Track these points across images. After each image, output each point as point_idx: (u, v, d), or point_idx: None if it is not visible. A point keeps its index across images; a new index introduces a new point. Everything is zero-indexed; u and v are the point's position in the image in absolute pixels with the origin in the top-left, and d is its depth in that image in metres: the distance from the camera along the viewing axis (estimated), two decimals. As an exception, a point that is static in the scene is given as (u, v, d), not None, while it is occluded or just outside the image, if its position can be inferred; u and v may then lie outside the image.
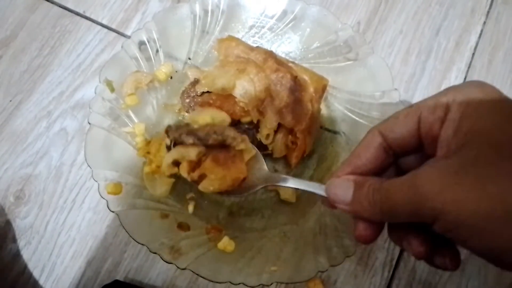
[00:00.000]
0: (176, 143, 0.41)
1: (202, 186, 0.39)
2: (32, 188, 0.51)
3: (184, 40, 0.52)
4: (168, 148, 0.42)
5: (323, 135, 0.52)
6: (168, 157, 0.40)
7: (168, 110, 0.51)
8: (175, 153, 0.40)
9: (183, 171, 0.40)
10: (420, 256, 0.29)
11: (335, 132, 0.51)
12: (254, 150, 0.42)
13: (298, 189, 0.37)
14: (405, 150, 0.31)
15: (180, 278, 0.48)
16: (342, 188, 0.31)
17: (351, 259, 0.48)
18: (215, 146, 0.40)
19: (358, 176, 0.31)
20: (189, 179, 0.40)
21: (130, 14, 0.59)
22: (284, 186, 0.39)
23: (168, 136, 0.41)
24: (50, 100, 0.55)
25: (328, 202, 0.33)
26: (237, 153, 0.41)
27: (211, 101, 0.47)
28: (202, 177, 0.39)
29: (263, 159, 0.42)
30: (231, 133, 0.40)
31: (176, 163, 0.41)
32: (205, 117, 0.45)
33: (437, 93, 0.29)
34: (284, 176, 0.39)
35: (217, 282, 0.40)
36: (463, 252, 0.49)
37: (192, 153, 0.39)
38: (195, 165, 0.40)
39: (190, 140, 0.39)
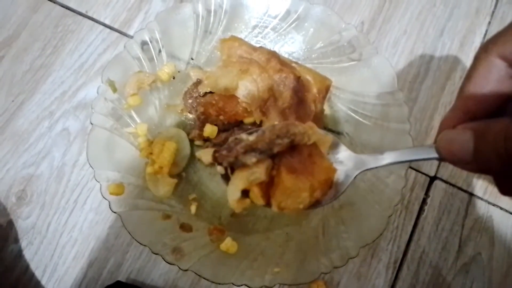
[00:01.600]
0: (234, 167, 0.32)
1: (290, 207, 0.31)
2: (34, 188, 0.51)
3: (187, 40, 0.51)
4: (225, 178, 0.33)
5: (326, 135, 0.52)
6: (233, 191, 0.31)
7: (171, 110, 0.51)
8: (240, 182, 0.31)
9: (257, 198, 0.32)
10: None
11: (338, 133, 0.51)
12: (329, 136, 0.35)
13: (402, 162, 0.30)
14: None
15: (182, 279, 0.48)
16: (459, 143, 0.24)
17: (354, 260, 0.48)
18: (283, 152, 0.32)
19: (476, 122, 0.24)
20: (274, 208, 0.31)
21: (133, 14, 0.59)
22: (385, 165, 0.31)
23: (220, 163, 0.33)
24: (52, 100, 0.55)
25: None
26: (312, 148, 0.33)
27: (213, 102, 0.47)
28: (283, 195, 0.31)
29: (340, 143, 0.35)
30: (297, 128, 0.32)
31: (244, 191, 0.32)
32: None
33: None
34: (378, 154, 0.31)
35: (219, 284, 0.40)
36: (467, 255, 0.49)
37: (259, 173, 0.31)
38: (267, 185, 0.32)
39: (252, 158, 0.31)
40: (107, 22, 0.59)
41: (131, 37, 0.50)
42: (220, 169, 0.33)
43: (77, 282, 0.48)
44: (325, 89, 0.49)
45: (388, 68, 0.48)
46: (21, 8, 0.59)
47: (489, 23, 0.59)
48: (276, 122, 0.45)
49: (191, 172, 0.50)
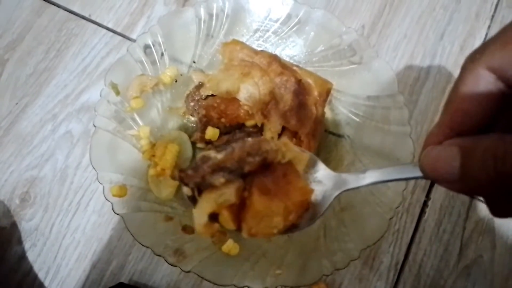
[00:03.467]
0: (201, 188, 0.29)
1: (262, 233, 0.29)
2: (37, 190, 0.52)
3: (189, 44, 0.52)
4: (192, 200, 0.30)
5: (328, 138, 0.52)
6: (200, 215, 0.28)
7: (173, 113, 0.52)
8: (207, 204, 0.28)
9: (227, 223, 0.29)
10: None
11: (339, 136, 0.51)
12: (306, 154, 0.32)
13: (384, 181, 0.28)
14: None
15: (184, 281, 0.48)
16: (444, 160, 0.22)
17: (356, 263, 0.48)
18: (255, 171, 0.29)
19: (463, 138, 0.22)
20: (244, 235, 0.29)
21: (136, 18, 0.60)
22: (365, 185, 0.29)
23: (186, 184, 0.30)
24: (55, 103, 0.55)
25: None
26: (287, 167, 0.30)
27: (215, 104, 0.47)
28: (254, 220, 0.28)
29: (318, 161, 0.32)
30: (270, 145, 0.30)
31: (213, 215, 0.29)
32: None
33: None
34: (359, 172, 0.29)
35: (221, 285, 0.40)
36: (469, 257, 0.49)
37: (229, 195, 0.28)
38: (238, 207, 0.29)
39: (220, 178, 0.28)
40: (110, 26, 0.59)
41: (134, 40, 0.50)
42: (186, 190, 0.30)
43: (80, 284, 0.49)
44: (326, 92, 0.49)
45: (389, 71, 0.48)
46: (25, 12, 0.60)
47: (489, 27, 0.60)
48: (278, 125, 0.46)
49: (193, 175, 0.50)
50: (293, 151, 0.30)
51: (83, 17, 0.60)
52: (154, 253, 0.41)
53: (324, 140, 0.51)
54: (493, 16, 0.60)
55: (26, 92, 0.56)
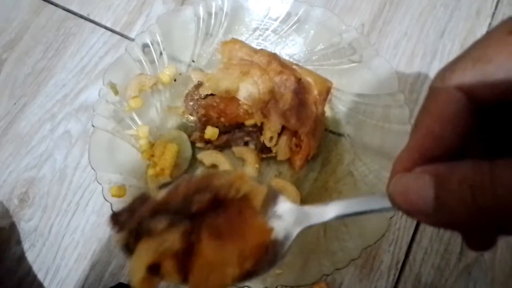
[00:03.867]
0: (139, 235, 0.24)
1: (215, 285, 0.24)
2: (36, 190, 0.52)
3: (188, 43, 0.52)
4: (127, 249, 0.25)
5: (328, 137, 0.52)
6: (136, 269, 0.24)
7: (172, 112, 0.51)
8: (145, 254, 0.24)
9: (170, 275, 0.24)
10: None
11: (339, 135, 0.51)
12: (263, 186, 0.28)
13: (351, 214, 0.25)
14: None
15: (184, 281, 0.48)
16: (416, 190, 0.20)
17: (356, 262, 0.47)
18: (205, 211, 0.25)
19: (436, 165, 0.20)
20: (189, 287, 0.24)
21: (134, 17, 0.59)
22: (330, 220, 0.25)
23: (119, 230, 0.25)
24: (54, 103, 0.55)
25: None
26: (242, 203, 0.26)
27: (215, 104, 0.47)
28: (203, 272, 0.24)
29: (279, 193, 0.28)
30: (221, 179, 0.26)
31: (153, 267, 0.24)
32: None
33: None
34: (322, 205, 0.26)
35: (221, 286, 0.40)
36: (470, 256, 0.49)
37: (172, 240, 0.24)
38: (184, 254, 0.24)
39: (161, 223, 0.24)
40: (108, 25, 0.59)
41: (133, 40, 0.50)
42: (120, 237, 0.25)
43: (79, 284, 0.48)
44: (326, 91, 0.49)
45: (389, 70, 0.48)
46: (23, 11, 0.59)
47: (490, 24, 0.59)
48: (277, 124, 0.45)
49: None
50: (249, 184, 0.26)
51: (81, 16, 0.59)
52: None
53: (324, 139, 0.51)
54: (494, 13, 0.60)
55: (25, 92, 0.56)
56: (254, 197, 0.27)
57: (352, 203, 0.25)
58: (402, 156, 0.22)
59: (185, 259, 0.24)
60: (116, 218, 0.25)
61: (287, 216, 0.27)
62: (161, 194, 0.25)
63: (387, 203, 0.22)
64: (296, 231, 0.26)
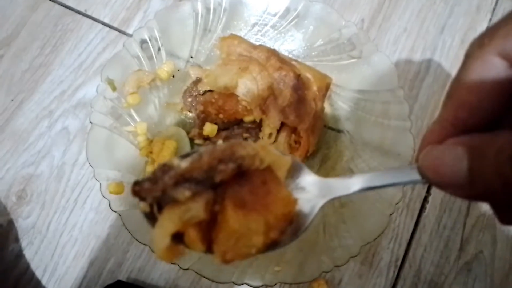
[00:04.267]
0: (162, 204, 0.25)
1: (238, 255, 0.24)
2: (34, 188, 0.51)
3: (186, 39, 0.51)
4: (150, 218, 0.26)
5: (327, 134, 0.51)
6: (160, 237, 0.24)
7: (170, 109, 0.51)
8: (170, 223, 0.24)
9: (194, 244, 0.24)
10: None
11: (339, 131, 0.51)
12: (287, 157, 0.28)
13: (377, 187, 0.25)
14: None
15: (183, 278, 0.48)
16: (449, 162, 0.19)
17: (356, 259, 0.47)
18: (228, 181, 0.25)
19: (470, 136, 0.19)
20: (217, 259, 0.24)
21: (132, 13, 0.59)
22: (355, 193, 0.25)
23: (143, 198, 0.25)
24: (51, 99, 0.55)
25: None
26: (266, 174, 0.26)
27: (213, 100, 0.47)
28: (229, 241, 0.24)
29: (303, 165, 0.28)
30: (245, 149, 0.25)
31: (177, 235, 0.24)
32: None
33: None
34: (347, 177, 0.25)
35: (220, 283, 0.40)
36: (469, 253, 0.49)
37: (196, 210, 0.24)
38: (208, 224, 0.24)
39: (185, 192, 0.24)
40: (106, 20, 0.58)
41: (130, 35, 0.50)
42: (143, 206, 0.25)
43: (78, 282, 0.48)
44: (325, 87, 0.49)
45: (389, 66, 0.47)
46: (20, 7, 0.59)
47: (490, 20, 0.59)
48: (276, 120, 0.45)
49: (191, 171, 0.50)
50: (272, 155, 0.26)
51: (79, 12, 0.59)
52: (153, 250, 0.40)
53: (324, 136, 0.51)
54: (494, 9, 0.59)
55: (22, 88, 0.55)
56: (278, 168, 0.26)
57: (379, 176, 0.24)
58: (433, 128, 0.21)
59: (209, 228, 0.24)
60: (139, 187, 0.24)
61: (311, 188, 0.27)
62: (184, 164, 0.25)
63: (415, 176, 0.21)
64: (320, 204, 0.26)
